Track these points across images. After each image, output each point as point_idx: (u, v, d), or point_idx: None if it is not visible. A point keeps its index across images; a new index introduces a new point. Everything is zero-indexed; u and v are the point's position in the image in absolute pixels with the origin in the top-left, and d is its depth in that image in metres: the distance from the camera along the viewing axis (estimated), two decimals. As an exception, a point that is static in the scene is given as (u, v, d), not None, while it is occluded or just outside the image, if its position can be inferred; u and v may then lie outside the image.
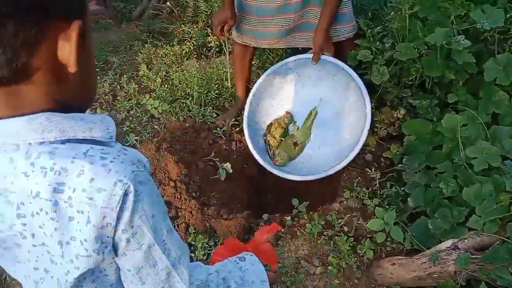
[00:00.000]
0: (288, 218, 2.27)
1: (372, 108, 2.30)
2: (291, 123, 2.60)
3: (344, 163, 2.25)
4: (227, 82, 3.06)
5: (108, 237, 0.73)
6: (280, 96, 2.62)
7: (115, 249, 0.76)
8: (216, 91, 3.07)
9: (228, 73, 3.05)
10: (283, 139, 2.54)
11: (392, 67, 2.34)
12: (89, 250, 0.73)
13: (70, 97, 0.76)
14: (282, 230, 2.20)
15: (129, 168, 0.72)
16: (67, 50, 0.70)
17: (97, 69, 3.32)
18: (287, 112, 2.62)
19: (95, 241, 0.72)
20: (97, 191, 0.69)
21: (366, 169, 2.36)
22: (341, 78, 2.39)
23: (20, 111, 0.70)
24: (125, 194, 0.71)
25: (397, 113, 2.47)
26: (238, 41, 2.68)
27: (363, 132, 2.25)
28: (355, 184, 2.34)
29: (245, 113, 2.53)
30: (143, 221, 0.75)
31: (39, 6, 0.66)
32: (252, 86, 2.58)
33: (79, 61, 0.71)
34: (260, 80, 2.52)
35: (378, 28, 2.38)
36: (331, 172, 2.28)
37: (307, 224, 2.20)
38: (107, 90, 3.19)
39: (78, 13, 0.72)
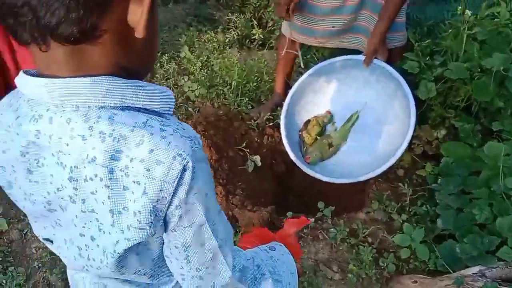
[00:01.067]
0: (312, 219, 2.24)
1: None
2: (330, 123, 2.53)
3: (378, 171, 2.15)
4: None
5: (161, 211, 0.71)
6: (323, 94, 2.54)
7: (165, 224, 0.74)
8: (255, 84, 3.05)
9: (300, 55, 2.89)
10: (318, 137, 2.46)
11: (440, 85, 2.29)
12: (142, 223, 0.70)
13: (132, 64, 0.73)
14: (311, 224, 2.17)
15: (188, 143, 0.69)
16: (138, 14, 0.67)
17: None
18: (328, 112, 2.54)
19: (149, 214, 0.70)
20: (156, 163, 0.67)
21: (399, 183, 2.32)
22: (389, 85, 2.30)
23: (83, 72, 0.68)
24: (184, 169, 0.68)
25: (437, 133, 2.42)
26: (285, 35, 2.65)
27: (402, 144, 2.14)
28: (384, 197, 2.30)
29: (285, 104, 2.46)
30: (197, 199, 0.72)
31: None
32: (293, 83, 2.53)
33: (147, 27, 0.69)
34: (305, 75, 2.44)
35: (427, 42, 2.34)
36: (363, 178, 2.19)
37: (331, 229, 2.17)
38: (147, 67, 3.19)
39: None
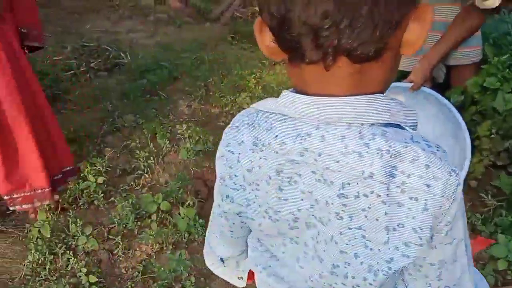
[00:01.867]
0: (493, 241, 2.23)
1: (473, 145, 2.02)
2: None
3: None
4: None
5: (434, 228, 0.70)
6: None
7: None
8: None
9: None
10: None
11: (516, 97, 2.33)
12: (423, 239, 0.69)
13: (390, 79, 0.73)
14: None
15: (448, 159, 0.69)
16: (416, 32, 0.66)
17: (190, 62, 3.35)
18: None
19: (429, 231, 0.69)
20: (434, 178, 0.66)
21: (481, 194, 2.35)
22: (432, 109, 2.17)
23: (359, 90, 0.67)
24: (457, 184, 0.67)
25: (509, 144, 2.46)
26: None
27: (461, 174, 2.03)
28: (466, 209, 2.32)
29: None
30: (461, 215, 0.71)
31: None
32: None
33: None
34: None
35: (506, 56, 2.37)
36: None
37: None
38: (202, 85, 3.21)
39: None
